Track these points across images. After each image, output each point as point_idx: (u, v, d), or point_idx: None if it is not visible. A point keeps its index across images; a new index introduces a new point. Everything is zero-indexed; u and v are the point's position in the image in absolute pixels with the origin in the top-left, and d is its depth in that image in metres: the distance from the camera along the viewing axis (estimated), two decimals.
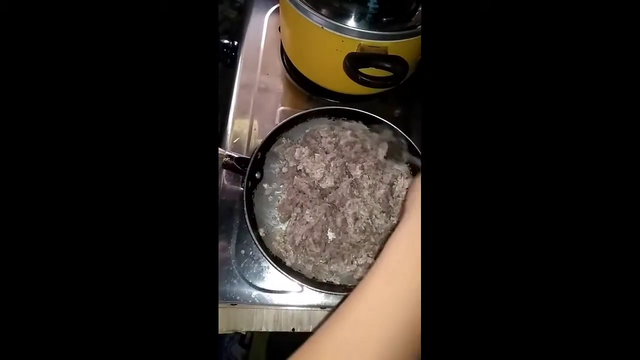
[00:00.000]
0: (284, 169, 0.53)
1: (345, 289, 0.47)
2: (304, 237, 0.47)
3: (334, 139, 0.53)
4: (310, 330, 0.54)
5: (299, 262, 0.48)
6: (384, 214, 0.50)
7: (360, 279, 0.47)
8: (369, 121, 0.56)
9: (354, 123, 0.56)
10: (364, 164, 0.51)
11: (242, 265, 0.49)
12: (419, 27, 0.47)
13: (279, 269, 0.45)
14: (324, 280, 0.47)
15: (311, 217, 0.48)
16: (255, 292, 0.48)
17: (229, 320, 0.52)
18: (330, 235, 0.48)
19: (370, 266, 0.48)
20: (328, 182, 0.50)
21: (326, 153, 0.52)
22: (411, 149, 0.54)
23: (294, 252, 0.48)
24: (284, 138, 0.55)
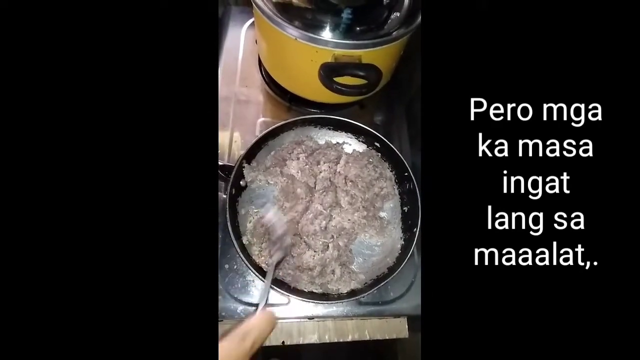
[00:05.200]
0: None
1: (328, 298, 0.46)
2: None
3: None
4: (301, 343, 0.53)
5: (280, 273, 0.47)
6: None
7: (337, 290, 0.47)
8: (354, 130, 0.57)
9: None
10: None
11: (226, 280, 0.49)
12: (393, 34, 0.48)
13: (262, 278, 0.44)
14: (305, 290, 0.47)
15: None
16: (241, 307, 0.48)
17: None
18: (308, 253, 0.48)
19: (342, 275, 0.47)
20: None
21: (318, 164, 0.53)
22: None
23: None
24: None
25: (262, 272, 0.45)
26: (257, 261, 0.47)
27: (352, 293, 0.47)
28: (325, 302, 0.46)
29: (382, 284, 0.46)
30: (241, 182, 0.51)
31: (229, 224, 0.45)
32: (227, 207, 0.46)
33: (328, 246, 0.48)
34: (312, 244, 0.48)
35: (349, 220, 0.50)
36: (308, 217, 0.49)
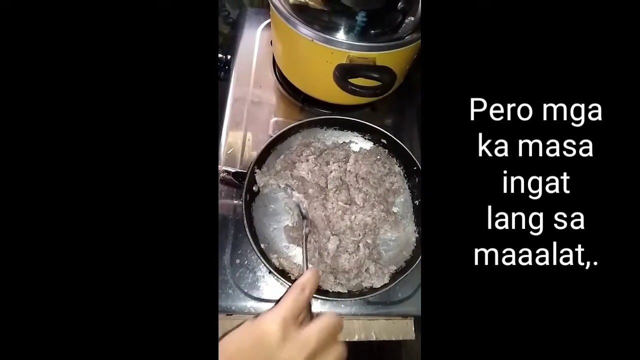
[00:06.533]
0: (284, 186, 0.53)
1: (350, 295, 0.47)
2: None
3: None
4: None
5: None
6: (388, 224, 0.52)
7: (369, 286, 0.47)
8: (360, 129, 0.58)
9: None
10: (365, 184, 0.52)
11: (237, 275, 0.49)
12: (406, 38, 0.49)
13: (286, 281, 0.45)
14: (330, 290, 0.47)
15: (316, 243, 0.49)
16: (250, 302, 0.48)
17: (224, 332, 0.51)
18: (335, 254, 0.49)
19: (376, 271, 0.48)
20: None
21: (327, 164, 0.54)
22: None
23: (296, 267, 0.48)
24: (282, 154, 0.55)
25: (284, 275, 0.46)
26: (276, 264, 0.47)
27: (374, 289, 0.47)
28: (347, 299, 0.47)
29: (403, 276, 0.46)
30: (254, 188, 0.52)
31: (247, 230, 0.46)
32: (244, 213, 0.47)
33: (359, 246, 0.49)
34: (345, 244, 0.48)
35: (369, 216, 0.50)
36: (337, 214, 0.50)
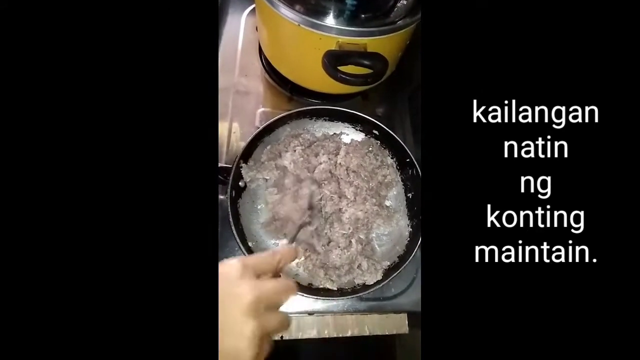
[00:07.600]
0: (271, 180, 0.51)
1: (342, 293, 0.46)
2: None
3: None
4: (300, 337, 0.52)
5: (293, 269, 0.46)
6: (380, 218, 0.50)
7: (362, 283, 0.46)
8: (351, 119, 0.56)
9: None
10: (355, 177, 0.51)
11: None
12: (399, 22, 0.46)
13: None
14: (320, 286, 0.46)
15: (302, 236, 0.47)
16: None
17: None
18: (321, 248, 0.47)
19: (368, 267, 0.47)
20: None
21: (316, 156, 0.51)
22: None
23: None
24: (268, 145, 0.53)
25: None
26: None
27: (366, 287, 0.46)
28: (338, 297, 0.45)
29: (397, 272, 0.45)
30: (240, 183, 0.50)
31: (233, 228, 0.44)
32: (229, 210, 0.45)
33: (351, 242, 0.47)
34: (336, 239, 0.47)
35: (361, 210, 0.49)
36: (326, 197, 0.48)
